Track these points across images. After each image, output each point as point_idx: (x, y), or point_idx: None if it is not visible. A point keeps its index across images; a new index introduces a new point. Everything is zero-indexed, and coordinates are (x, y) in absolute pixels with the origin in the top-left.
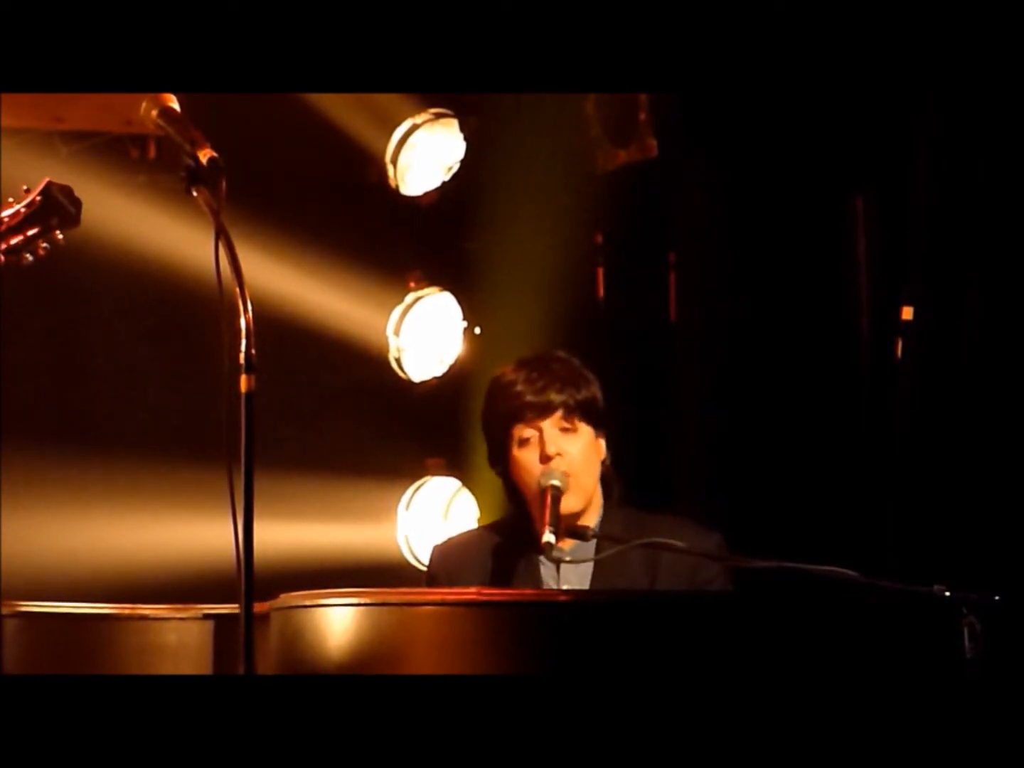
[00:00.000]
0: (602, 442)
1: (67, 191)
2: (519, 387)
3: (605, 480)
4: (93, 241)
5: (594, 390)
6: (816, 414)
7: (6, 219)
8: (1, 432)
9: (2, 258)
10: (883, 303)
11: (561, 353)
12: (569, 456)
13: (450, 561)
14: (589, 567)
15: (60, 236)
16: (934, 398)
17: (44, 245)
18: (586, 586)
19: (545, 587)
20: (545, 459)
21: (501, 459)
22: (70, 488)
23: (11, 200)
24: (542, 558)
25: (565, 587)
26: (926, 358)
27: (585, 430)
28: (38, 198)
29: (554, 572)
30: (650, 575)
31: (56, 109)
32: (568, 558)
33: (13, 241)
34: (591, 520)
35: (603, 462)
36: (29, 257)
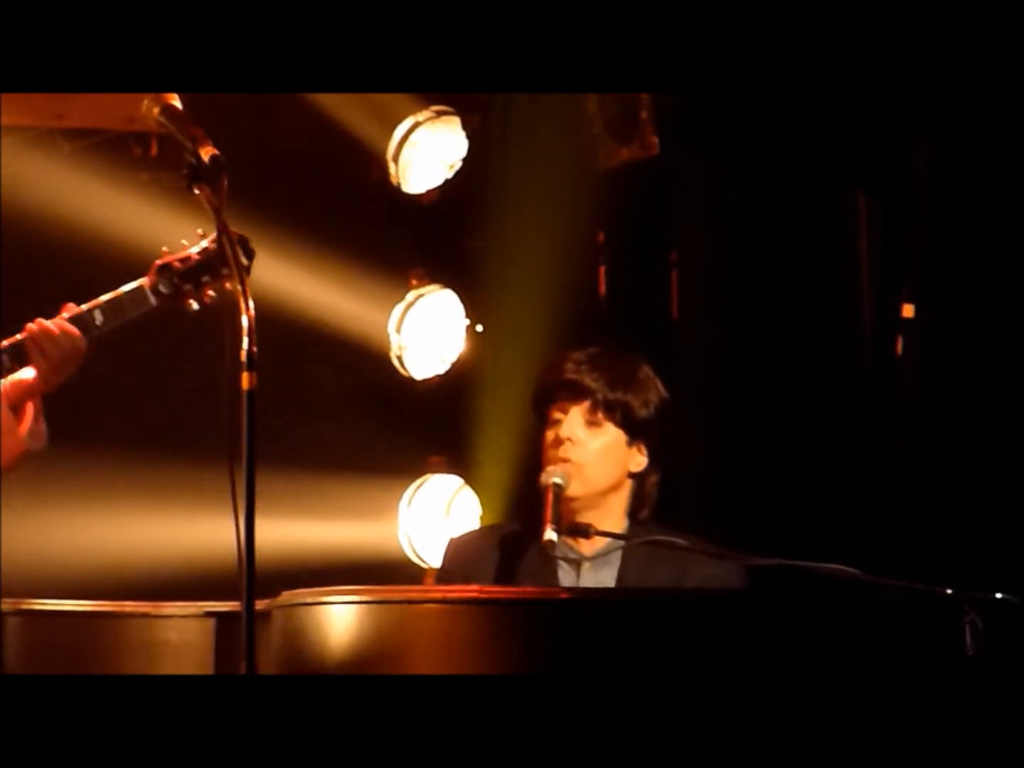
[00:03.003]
0: (638, 454)
1: (244, 241)
2: (565, 364)
3: (639, 496)
4: (95, 239)
5: (633, 398)
6: (817, 411)
7: (177, 263)
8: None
9: (153, 301)
10: (884, 300)
11: (632, 355)
12: (583, 446)
13: (465, 557)
14: (611, 578)
15: (229, 286)
16: (935, 395)
17: (211, 293)
18: None
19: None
20: (557, 442)
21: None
22: (70, 485)
23: (184, 243)
24: (561, 561)
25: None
26: (927, 355)
27: (612, 431)
28: (212, 246)
29: (573, 576)
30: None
31: (58, 107)
32: (585, 558)
33: (184, 287)
34: (616, 519)
35: (637, 475)
36: (194, 304)
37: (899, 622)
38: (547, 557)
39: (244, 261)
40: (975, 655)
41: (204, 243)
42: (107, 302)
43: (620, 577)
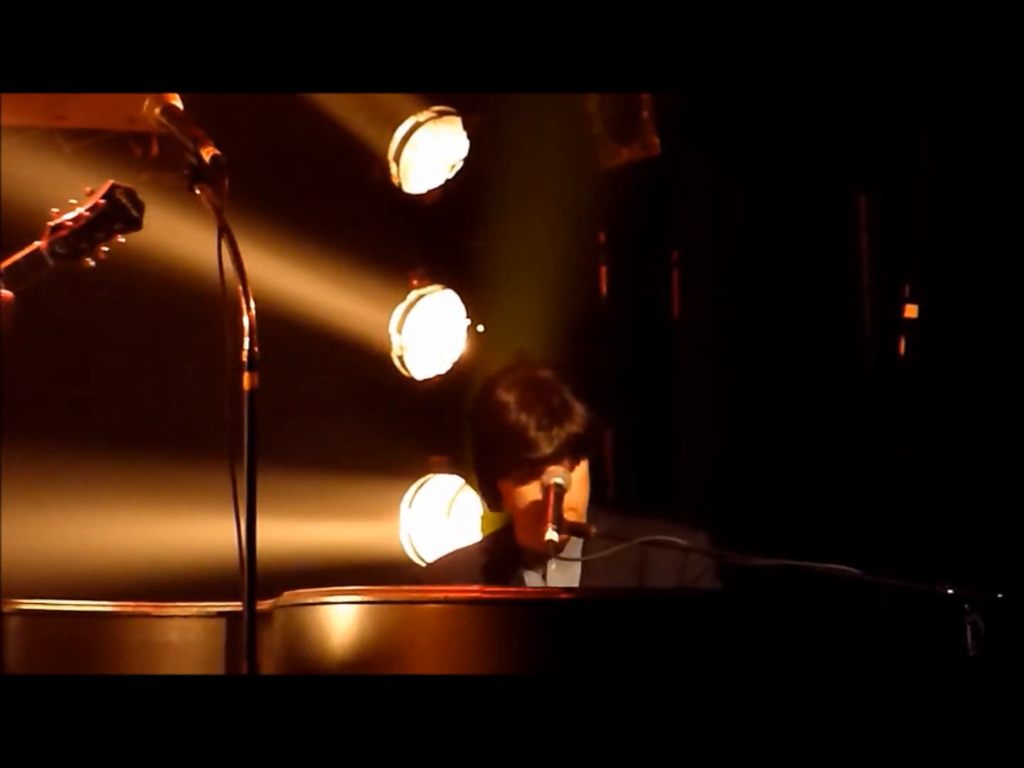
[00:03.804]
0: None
1: (131, 194)
2: (532, 434)
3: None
4: None
5: (587, 426)
6: (818, 411)
7: (69, 223)
8: (2, 429)
9: (51, 263)
10: (885, 300)
11: (548, 374)
12: (571, 492)
13: (440, 580)
14: (576, 571)
15: (122, 239)
16: (936, 396)
17: (105, 249)
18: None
19: None
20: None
21: (491, 483)
22: (71, 485)
23: (73, 202)
24: (527, 571)
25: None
26: (928, 356)
27: (582, 464)
28: (101, 201)
29: (539, 580)
30: (638, 576)
31: (58, 107)
32: (553, 564)
33: (79, 246)
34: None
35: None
36: (91, 262)
37: (899, 622)
38: (516, 571)
39: (135, 214)
40: (976, 655)
41: (93, 201)
42: (6, 268)
43: (584, 569)
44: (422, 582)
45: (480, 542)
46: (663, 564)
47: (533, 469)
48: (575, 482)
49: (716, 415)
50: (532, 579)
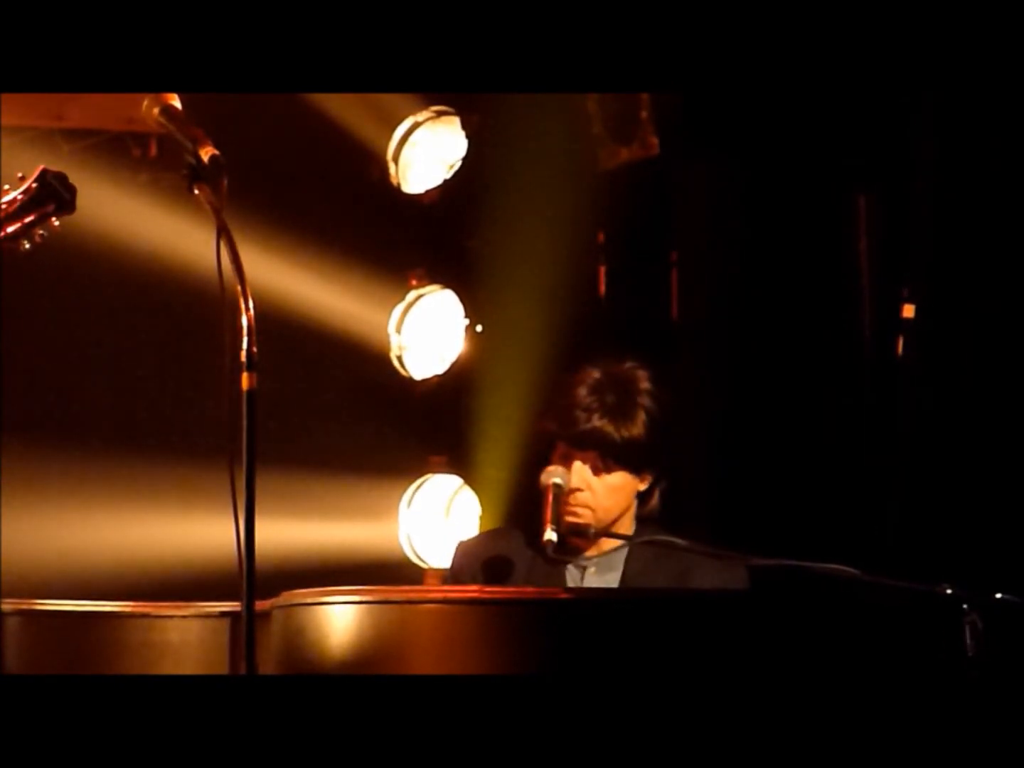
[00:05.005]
0: (646, 477)
1: (61, 177)
2: (575, 410)
3: (644, 501)
4: (95, 239)
5: (639, 433)
6: (818, 412)
7: (3, 206)
8: (2, 429)
9: None
10: (885, 301)
11: (642, 383)
12: (593, 491)
13: (474, 559)
14: (616, 579)
15: (56, 223)
16: (935, 396)
17: (40, 232)
18: None
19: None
20: (571, 490)
21: (549, 449)
22: (71, 485)
23: (7, 188)
24: (569, 568)
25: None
26: (927, 356)
27: (617, 473)
28: (34, 185)
29: (578, 579)
30: None
31: (58, 107)
32: (589, 561)
33: (10, 228)
34: (624, 531)
35: (643, 491)
36: (26, 244)
37: (899, 622)
38: (554, 561)
39: (67, 196)
40: (975, 655)
41: (26, 185)
42: None
43: (624, 579)
44: (455, 562)
45: (520, 524)
46: (704, 585)
47: (565, 450)
48: (603, 487)
49: (715, 415)
50: (572, 574)
